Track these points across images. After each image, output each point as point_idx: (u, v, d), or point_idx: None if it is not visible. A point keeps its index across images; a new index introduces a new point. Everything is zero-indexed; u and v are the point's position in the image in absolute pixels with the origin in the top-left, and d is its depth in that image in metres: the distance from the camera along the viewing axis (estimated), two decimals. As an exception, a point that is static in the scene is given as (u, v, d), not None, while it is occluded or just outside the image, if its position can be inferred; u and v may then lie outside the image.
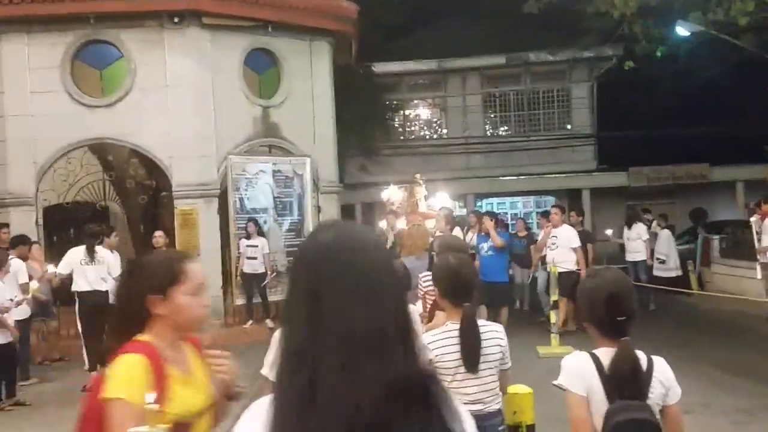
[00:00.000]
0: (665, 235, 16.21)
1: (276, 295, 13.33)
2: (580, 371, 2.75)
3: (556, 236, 12.25)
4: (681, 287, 14.59)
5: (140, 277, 2.50)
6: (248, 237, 13.47)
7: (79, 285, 10.10)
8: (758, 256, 12.32)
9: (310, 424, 1.21)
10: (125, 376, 2.26)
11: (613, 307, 2.77)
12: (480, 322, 3.62)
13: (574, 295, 10.90)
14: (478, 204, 23.28)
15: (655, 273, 15.43)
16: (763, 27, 16.23)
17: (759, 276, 12.57)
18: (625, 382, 2.66)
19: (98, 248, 10.43)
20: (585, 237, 12.87)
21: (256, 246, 13.30)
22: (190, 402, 2.40)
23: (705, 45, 18.65)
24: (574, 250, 12.11)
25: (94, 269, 10.17)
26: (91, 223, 11.61)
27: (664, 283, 14.02)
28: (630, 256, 14.90)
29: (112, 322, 2.66)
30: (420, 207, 13.64)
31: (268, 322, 13.31)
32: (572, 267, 11.86)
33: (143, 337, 2.43)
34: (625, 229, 15.27)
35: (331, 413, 1.20)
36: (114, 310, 2.55)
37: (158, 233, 12.11)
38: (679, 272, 15.82)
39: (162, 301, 2.44)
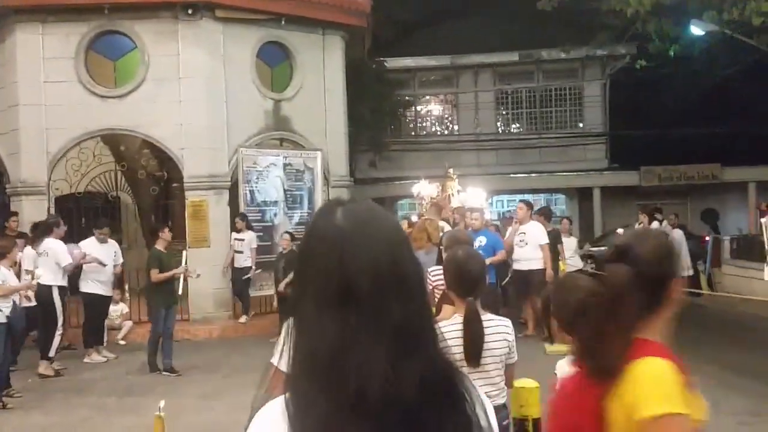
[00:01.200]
0: (677, 234, 15.77)
1: (264, 291, 13.42)
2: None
3: (524, 233, 11.74)
4: (691, 288, 14.58)
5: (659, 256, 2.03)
6: (237, 231, 13.39)
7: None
8: None
9: (350, 420, 1.14)
10: (671, 386, 1.91)
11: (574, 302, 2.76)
12: (486, 316, 3.61)
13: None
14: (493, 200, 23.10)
15: None
16: (778, 27, 16.15)
17: (766, 277, 12.45)
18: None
19: (46, 240, 10.34)
20: (554, 238, 12.47)
21: (243, 240, 13.19)
22: (699, 406, 2.04)
23: (719, 45, 18.57)
24: (542, 247, 11.64)
25: (42, 261, 10.08)
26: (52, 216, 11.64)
27: None
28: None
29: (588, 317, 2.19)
30: (452, 202, 13.48)
31: (243, 318, 13.30)
32: (539, 266, 11.46)
33: (647, 336, 2.05)
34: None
35: (369, 410, 1.14)
36: (601, 300, 2.09)
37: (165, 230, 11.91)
38: (690, 272, 15.72)
39: (677, 285, 2.04)
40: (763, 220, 12.73)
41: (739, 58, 19.73)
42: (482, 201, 14.32)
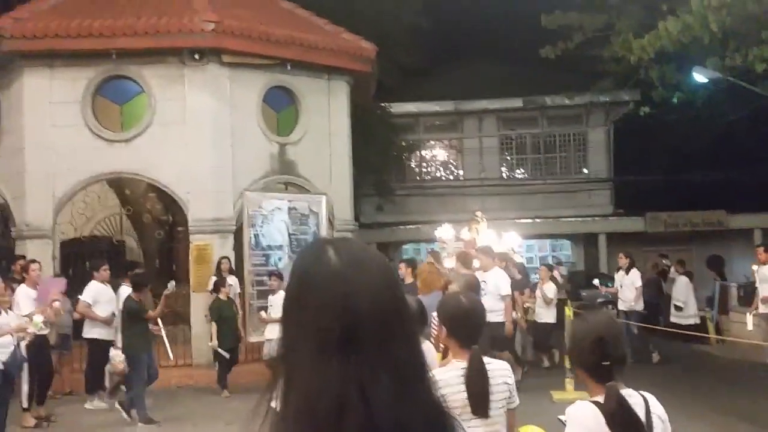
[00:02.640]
0: (683, 281, 16.07)
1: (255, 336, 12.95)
2: (584, 421, 2.69)
3: (485, 281, 10.69)
4: (698, 335, 14.58)
5: None
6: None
7: None
8: (760, 305, 12.07)
9: None
10: None
11: (599, 350, 2.72)
12: (485, 359, 3.55)
13: (506, 347, 10.99)
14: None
15: (673, 320, 15.27)
16: (781, 74, 16.24)
17: (750, 326, 12.36)
18: (626, 424, 2.61)
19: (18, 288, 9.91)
20: (518, 285, 12.15)
21: (231, 285, 12.76)
22: None
23: (722, 91, 18.64)
24: (503, 297, 10.97)
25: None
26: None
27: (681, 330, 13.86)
28: (623, 305, 13.98)
29: None
30: (478, 244, 13.06)
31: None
32: (498, 318, 10.73)
33: None
34: (620, 275, 14.40)
35: None
36: None
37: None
38: (697, 320, 15.66)
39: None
40: (754, 267, 12.68)
41: (742, 105, 19.73)
42: (514, 246, 14.18)
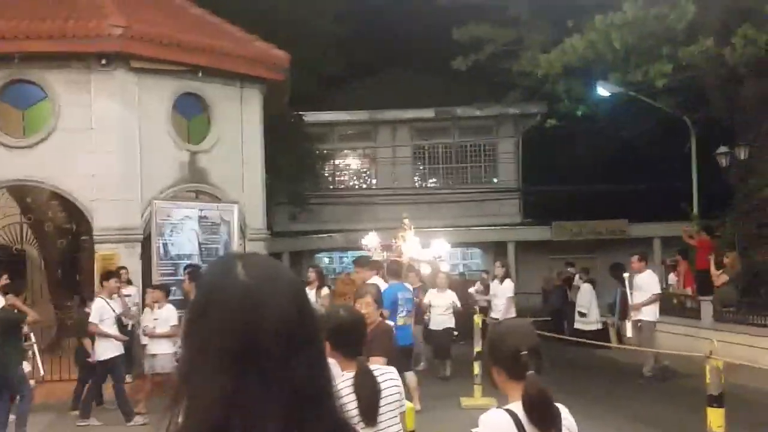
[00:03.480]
0: (586, 288, 16.49)
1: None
2: (498, 428, 2.72)
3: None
4: (601, 340, 14.80)
5: None
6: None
7: None
8: (631, 313, 12.25)
9: None
10: None
11: (514, 341, 2.79)
12: (372, 367, 3.59)
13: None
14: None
15: (577, 326, 15.62)
16: (679, 89, 16.81)
17: (629, 333, 12.54)
18: (546, 414, 2.67)
19: None
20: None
21: (129, 296, 12.20)
22: None
23: (624, 105, 19.26)
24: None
25: None
26: None
27: (584, 336, 13.91)
28: (496, 314, 13.63)
29: None
30: (405, 252, 13.32)
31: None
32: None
33: None
34: (495, 284, 14.24)
35: None
36: None
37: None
38: (599, 325, 16.02)
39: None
40: (625, 275, 12.72)
41: (644, 118, 20.42)
42: (440, 253, 14.52)
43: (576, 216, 24.03)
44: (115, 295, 10.80)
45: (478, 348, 10.93)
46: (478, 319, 11.37)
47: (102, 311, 10.37)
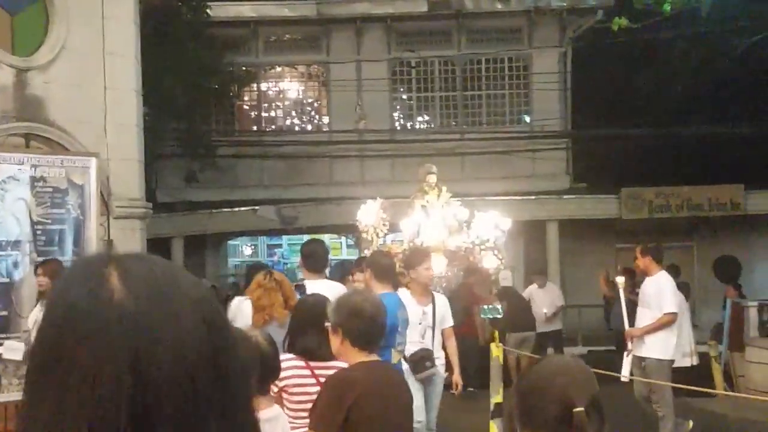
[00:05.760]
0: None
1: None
2: None
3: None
4: (697, 384, 10.91)
5: None
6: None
7: None
8: (629, 344, 10.02)
9: None
10: None
11: (561, 391, 2.29)
12: None
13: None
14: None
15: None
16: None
17: (625, 371, 9.93)
18: None
19: None
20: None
21: None
22: None
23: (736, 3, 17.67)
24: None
25: None
26: None
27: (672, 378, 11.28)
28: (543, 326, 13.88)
29: None
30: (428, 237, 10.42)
31: None
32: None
33: None
34: (534, 289, 14.23)
35: None
36: None
37: None
38: (695, 359, 12.51)
39: None
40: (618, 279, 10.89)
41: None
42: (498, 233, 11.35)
43: (659, 180, 19.03)
44: None
45: (496, 398, 9.25)
46: (497, 349, 9.49)
47: None
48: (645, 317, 9.99)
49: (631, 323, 11.10)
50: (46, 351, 0.92)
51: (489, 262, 11.53)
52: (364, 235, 11.52)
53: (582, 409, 2.16)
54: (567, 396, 2.18)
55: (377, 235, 11.11)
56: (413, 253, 9.26)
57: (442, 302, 8.15)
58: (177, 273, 0.98)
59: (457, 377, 8.16)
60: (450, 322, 8.21)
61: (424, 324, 7.84)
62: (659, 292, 10.08)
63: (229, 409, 0.95)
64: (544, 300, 13.89)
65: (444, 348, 8.61)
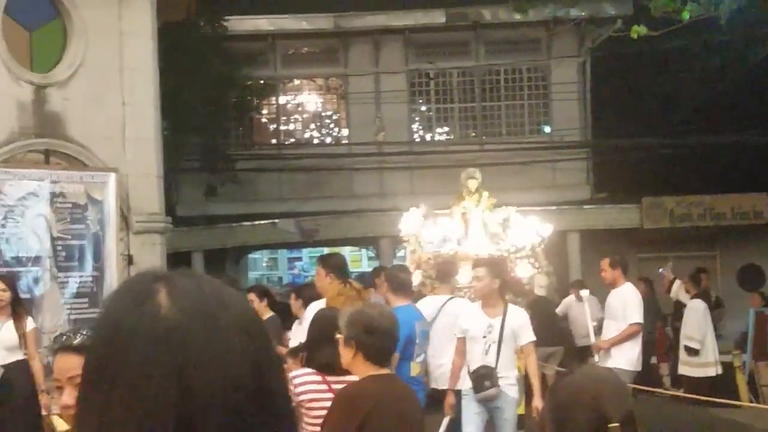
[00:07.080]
0: (698, 307, 13.66)
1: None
2: None
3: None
4: (722, 394, 11.92)
5: None
6: None
7: None
8: (595, 355, 10.46)
9: None
10: None
11: (596, 405, 2.30)
12: None
13: None
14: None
15: (682, 370, 13.60)
16: None
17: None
18: None
19: None
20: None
21: None
22: None
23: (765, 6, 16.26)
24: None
25: None
26: None
27: (695, 387, 12.11)
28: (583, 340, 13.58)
29: None
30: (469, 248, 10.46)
31: None
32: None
33: None
34: (573, 301, 14.25)
35: None
36: None
37: None
38: (719, 369, 13.35)
39: None
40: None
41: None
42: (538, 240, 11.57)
43: (680, 188, 19.33)
44: None
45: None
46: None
47: None
48: (611, 329, 10.09)
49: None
50: (95, 364, 0.95)
51: (523, 270, 11.30)
52: (405, 245, 11.60)
53: (618, 424, 2.12)
54: (602, 410, 2.14)
55: (419, 244, 10.95)
56: (446, 263, 9.38)
57: (515, 315, 7.28)
58: (223, 289, 1.01)
59: (537, 401, 7.12)
60: (528, 337, 7.32)
61: (489, 338, 7.12)
62: (625, 303, 10.14)
63: (272, 422, 0.96)
64: (585, 313, 13.72)
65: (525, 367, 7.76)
